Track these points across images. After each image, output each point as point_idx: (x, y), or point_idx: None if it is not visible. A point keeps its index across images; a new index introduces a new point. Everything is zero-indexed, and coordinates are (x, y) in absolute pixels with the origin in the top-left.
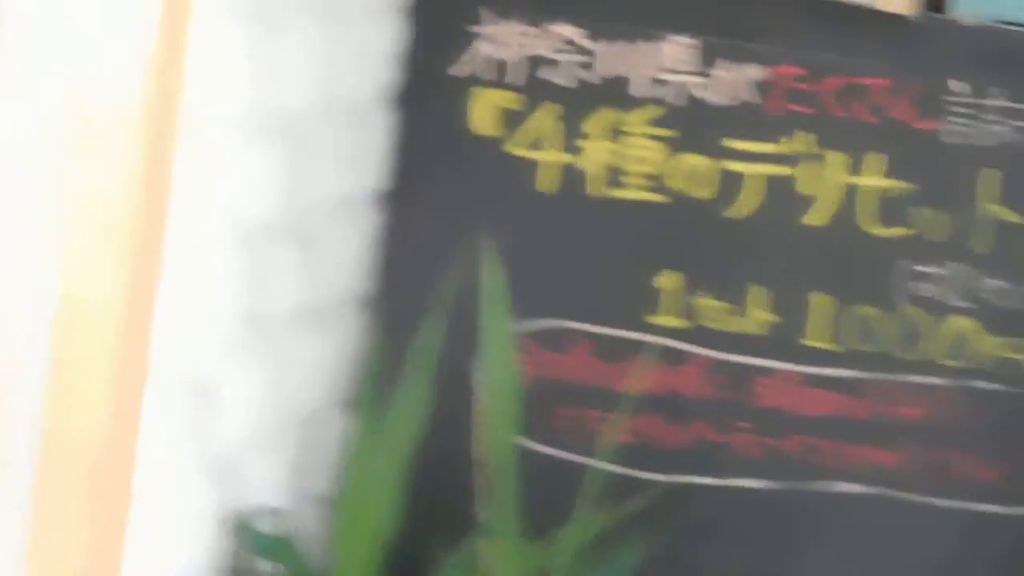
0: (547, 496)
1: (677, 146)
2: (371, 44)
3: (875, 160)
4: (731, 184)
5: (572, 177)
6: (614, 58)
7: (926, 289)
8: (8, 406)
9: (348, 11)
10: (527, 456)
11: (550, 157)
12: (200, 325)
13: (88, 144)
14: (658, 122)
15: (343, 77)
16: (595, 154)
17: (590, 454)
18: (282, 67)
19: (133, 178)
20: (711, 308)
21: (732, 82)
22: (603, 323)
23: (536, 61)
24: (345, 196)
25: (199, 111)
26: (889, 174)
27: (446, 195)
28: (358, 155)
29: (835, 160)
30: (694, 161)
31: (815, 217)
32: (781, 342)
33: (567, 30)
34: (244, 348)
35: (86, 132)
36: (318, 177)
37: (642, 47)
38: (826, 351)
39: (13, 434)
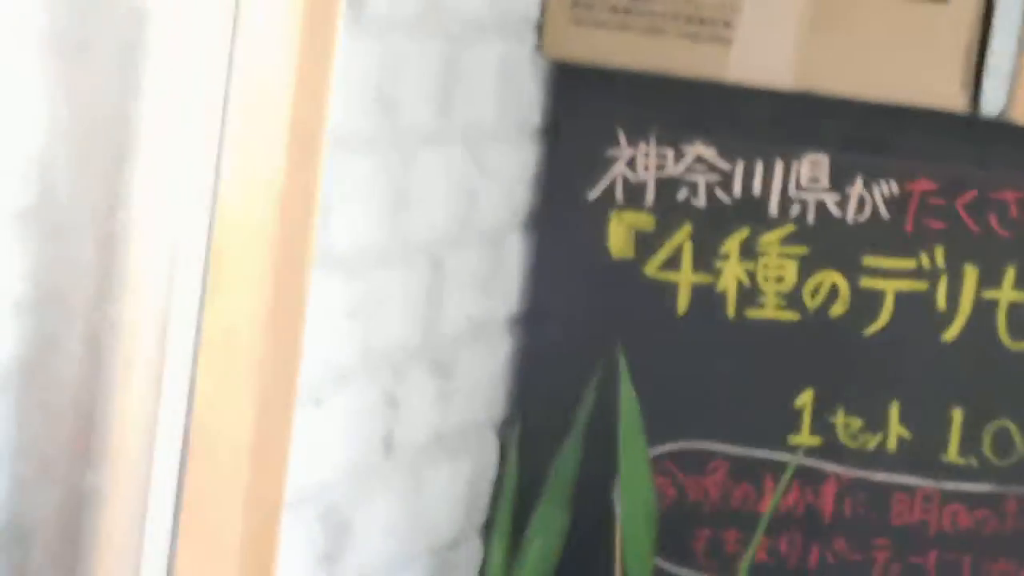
0: None
1: (813, 264)
2: (508, 168)
3: (1011, 272)
4: (867, 301)
5: (709, 297)
6: (750, 177)
7: None
8: (138, 538)
9: (485, 136)
10: None
11: (687, 278)
12: (335, 453)
13: (221, 273)
14: (794, 240)
15: (480, 201)
16: (732, 274)
17: (729, 575)
18: (419, 193)
19: (265, 306)
20: (849, 426)
21: (867, 198)
22: (741, 443)
23: (672, 182)
24: (482, 321)
25: (332, 237)
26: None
27: (583, 318)
28: (495, 279)
29: (970, 274)
30: (830, 278)
31: (951, 332)
32: (919, 458)
33: (702, 150)
34: (380, 475)
35: (218, 262)
36: (455, 302)
37: (777, 165)
38: (964, 466)
39: (145, 569)
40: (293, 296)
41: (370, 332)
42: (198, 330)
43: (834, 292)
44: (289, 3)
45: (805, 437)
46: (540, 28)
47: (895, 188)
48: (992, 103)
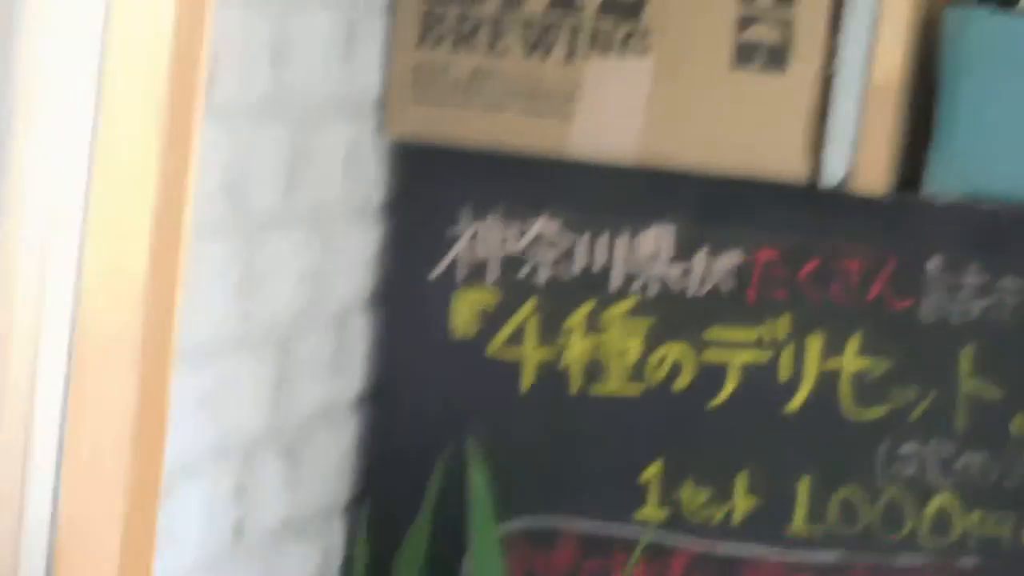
0: None
1: (657, 337)
2: (353, 248)
3: (854, 341)
4: (712, 373)
5: (554, 373)
6: (593, 251)
7: (908, 468)
8: None
9: (330, 217)
10: None
11: (531, 355)
12: (188, 542)
13: (85, 372)
14: (637, 313)
15: (326, 283)
16: (576, 349)
17: None
18: (267, 277)
19: (128, 403)
20: (695, 499)
21: (711, 270)
22: (589, 518)
23: (515, 259)
24: (329, 402)
25: (185, 328)
26: (868, 354)
27: (430, 396)
28: (342, 360)
29: (814, 343)
30: (674, 351)
31: (796, 401)
32: (766, 529)
33: (545, 225)
34: (232, 561)
35: (83, 361)
36: (303, 385)
37: (620, 239)
38: (811, 536)
39: None
40: (155, 392)
41: (220, 420)
42: (61, 435)
43: (678, 365)
44: (150, 95)
45: (653, 511)
46: (382, 108)
47: (738, 259)
48: (833, 173)
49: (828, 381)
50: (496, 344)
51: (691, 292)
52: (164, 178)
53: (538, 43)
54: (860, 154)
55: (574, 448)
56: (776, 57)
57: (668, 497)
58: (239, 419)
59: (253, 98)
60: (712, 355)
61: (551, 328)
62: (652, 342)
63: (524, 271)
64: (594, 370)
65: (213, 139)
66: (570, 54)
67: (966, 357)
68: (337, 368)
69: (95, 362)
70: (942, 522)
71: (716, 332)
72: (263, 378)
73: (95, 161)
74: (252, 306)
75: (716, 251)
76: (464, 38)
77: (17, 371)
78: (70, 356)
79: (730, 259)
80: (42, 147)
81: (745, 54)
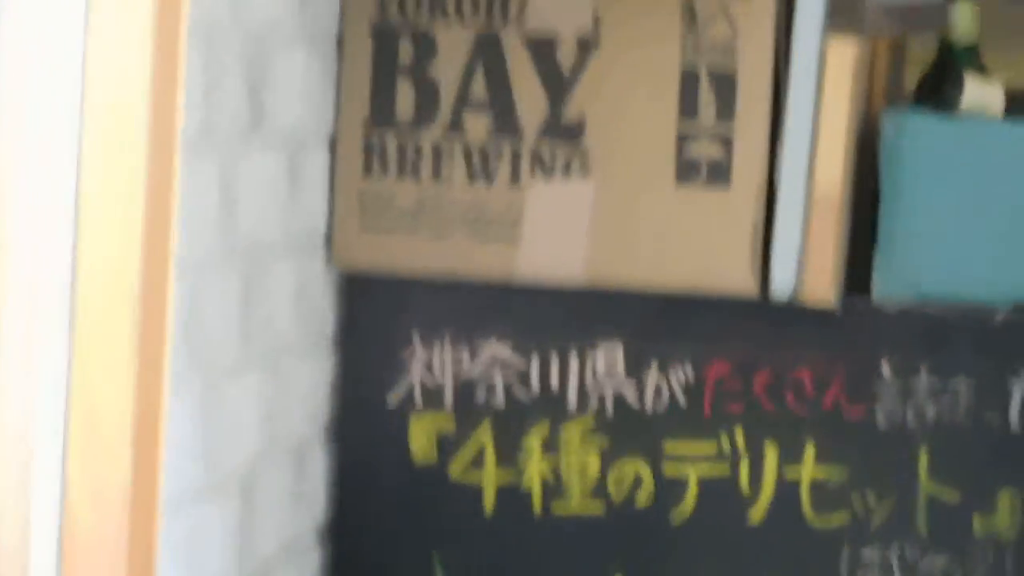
0: None
1: (615, 454)
2: (307, 381)
3: (811, 449)
4: (672, 487)
5: (515, 496)
6: (546, 371)
7: (871, 573)
8: None
9: (284, 353)
10: None
11: (491, 478)
12: None
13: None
14: (594, 431)
15: (283, 420)
16: (535, 470)
17: None
18: (227, 423)
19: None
20: None
21: (664, 385)
22: None
23: (471, 383)
24: (291, 537)
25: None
26: (826, 462)
27: (392, 524)
28: (301, 494)
29: (770, 454)
30: (633, 467)
31: (757, 512)
32: None
33: (498, 348)
34: None
35: (72, 523)
36: (266, 524)
37: (572, 358)
38: None
39: None
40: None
41: (188, 571)
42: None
43: (638, 481)
44: (124, 253)
45: None
46: (330, 240)
47: (691, 373)
48: (782, 287)
49: (788, 490)
50: (456, 468)
51: (646, 408)
52: (142, 340)
53: (481, 169)
54: (806, 265)
55: (540, 569)
56: (718, 173)
57: None
58: (206, 568)
59: (204, 247)
60: (671, 469)
61: (509, 450)
62: (610, 459)
63: (480, 394)
64: (555, 490)
65: (172, 295)
66: (513, 179)
67: (923, 460)
68: (298, 502)
69: (85, 530)
70: None
71: (673, 447)
72: (227, 523)
73: (75, 315)
74: (214, 456)
75: (668, 366)
76: (407, 167)
77: (8, 530)
78: (60, 523)
79: (683, 374)
80: (22, 307)
81: (687, 171)
